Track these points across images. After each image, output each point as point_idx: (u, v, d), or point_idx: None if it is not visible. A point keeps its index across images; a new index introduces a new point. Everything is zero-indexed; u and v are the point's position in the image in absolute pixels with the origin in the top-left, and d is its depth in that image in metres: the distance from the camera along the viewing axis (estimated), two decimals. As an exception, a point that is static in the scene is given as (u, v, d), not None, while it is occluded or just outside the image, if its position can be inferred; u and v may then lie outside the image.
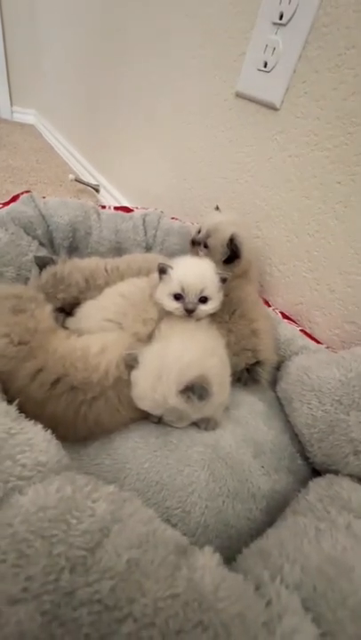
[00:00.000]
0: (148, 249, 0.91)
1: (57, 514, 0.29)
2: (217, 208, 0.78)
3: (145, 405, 0.44)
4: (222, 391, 0.49)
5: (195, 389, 0.42)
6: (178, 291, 0.55)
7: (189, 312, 0.55)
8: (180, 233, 0.88)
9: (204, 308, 0.56)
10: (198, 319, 0.57)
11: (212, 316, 0.58)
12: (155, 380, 0.43)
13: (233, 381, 0.55)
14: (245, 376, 0.58)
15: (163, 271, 0.57)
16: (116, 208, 0.89)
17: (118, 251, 0.87)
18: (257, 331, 0.59)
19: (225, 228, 0.66)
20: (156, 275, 0.60)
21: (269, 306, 0.77)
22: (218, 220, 0.68)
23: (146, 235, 0.89)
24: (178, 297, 0.56)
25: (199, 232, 0.72)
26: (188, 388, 0.43)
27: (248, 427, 0.54)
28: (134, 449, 0.47)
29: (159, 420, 0.49)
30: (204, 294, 0.56)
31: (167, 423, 0.49)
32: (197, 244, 0.70)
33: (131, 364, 0.47)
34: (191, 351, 0.45)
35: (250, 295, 0.64)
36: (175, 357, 0.44)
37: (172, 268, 0.57)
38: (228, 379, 0.52)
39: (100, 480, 0.35)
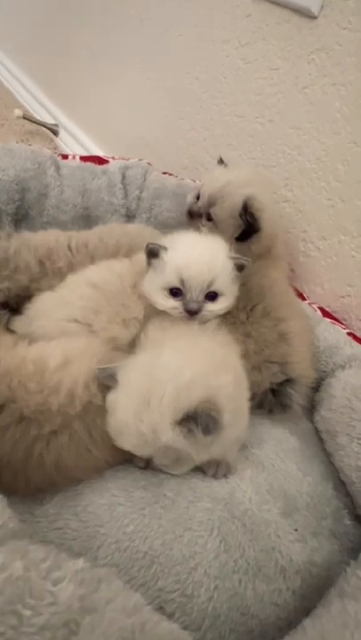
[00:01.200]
0: (130, 217, 0.90)
1: (2, 603, 0.29)
2: (220, 162, 0.78)
3: (127, 443, 0.45)
4: (238, 422, 0.49)
5: (199, 419, 0.43)
6: (175, 284, 0.56)
7: (192, 314, 0.55)
8: (176, 195, 0.88)
9: (213, 309, 0.56)
10: (204, 322, 0.57)
11: (223, 315, 0.59)
12: (141, 407, 0.43)
13: (253, 407, 0.55)
14: (271, 400, 0.59)
15: (153, 254, 0.57)
16: (83, 158, 0.88)
17: (87, 220, 0.86)
18: (287, 335, 0.60)
19: (235, 190, 0.66)
20: (141, 257, 0.60)
21: (304, 299, 0.77)
22: (224, 179, 0.68)
23: (126, 197, 0.88)
24: (175, 292, 0.56)
25: (198, 198, 0.71)
26: (190, 418, 0.43)
27: (275, 472, 0.55)
28: (112, 506, 0.47)
29: (147, 465, 0.50)
30: (213, 289, 0.56)
31: (159, 469, 0.50)
32: (197, 216, 0.70)
33: (106, 383, 0.48)
34: (193, 365, 0.46)
35: (276, 283, 0.65)
36: (170, 374, 0.45)
37: (165, 249, 0.57)
38: (245, 404, 0.52)
39: (63, 552, 0.35)
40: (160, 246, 0.57)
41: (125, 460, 0.51)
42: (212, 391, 0.44)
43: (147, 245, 0.57)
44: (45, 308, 0.59)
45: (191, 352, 0.49)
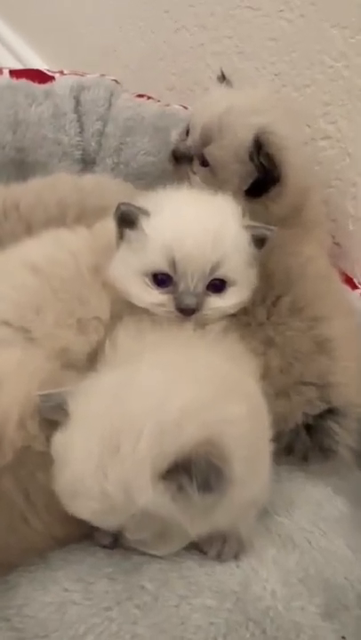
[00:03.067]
0: (88, 164, 0.92)
1: None
2: (222, 78, 0.80)
3: (84, 509, 0.46)
4: (254, 475, 0.50)
5: (193, 471, 0.43)
6: (162, 268, 0.57)
7: (187, 313, 0.57)
8: (158, 129, 0.90)
9: (220, 305, 0.58)
10: (203, 326, 0.58)
11: (233, 314, 0.61)
12: (105, 455, 0.44)
13: (278, 453, 0.56)
14: (305, 441, 0.60)
15: (127, 221, 0.59)
16: (14, 73, 0.90)
17: (20, 168, 0.88)
18: (328, 342, 0.62)
19: (241, 118, 0.68)
20: (107, 226, 0.61)
21: (355, 287, 0.79)
22: (225, 104, 0.70)
23: (82, 132, 0.90)
24: (163, 280, 0.57)
25: (187, 134, 0.73)
26: (180, 469, 0.44)
27: (312, 552, 0.56)
28: (62, 605, 0.48)
29: (116, 542, 0.51)
30: (220, 275, 0.57)
31: (134, 547, 0.51)
32: (185, 160, 0.72)
33: (51, 417, 0.49)
34: (185, 389, 0.48)
35: (310, 264, 0.67)
36: (151, 402, 0.46)
37: (147, 214, 0.58)
38: (265, 447, 0.53)
39: None
40: (138, 209, 0.58)
41: (82, 534, 0.52)
42: (215, 428, 0.46)
43: (117, 207, 0.58)
44: None
45: (183, 370, 0.50)
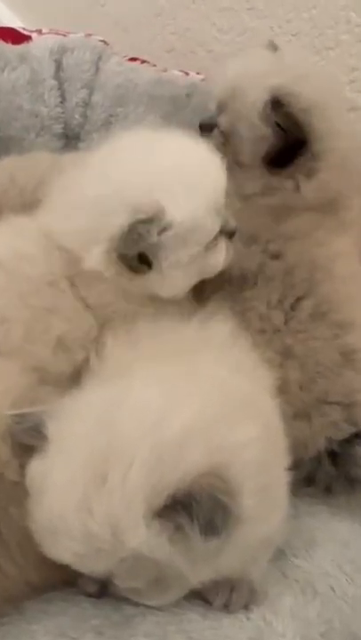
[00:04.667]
0: (71, 139, 0.92)
1: None
2: (272, 45, 0.77)
3: (65, 551, 0.44)
4: (268, 511, 0.48)
5: (195, 508, 0.41)
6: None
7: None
8: (154, 98, 0.87)
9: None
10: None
11: (244, 316, 0.59)
12: (90, 487, 0.43)
13: (296, 484, 0.53)
14: (330, 471, 0.58)
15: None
16: None
17: None
18: (355, 354, 0.59)
19: (253, 81, 0.67)
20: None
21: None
22: (237, 70, 0.70)
23: (64, 102, 0.90)
24: None
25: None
26: (179, 506, 0.42)
27: (336, 600, 0.53)
28: None
29: (104, 591, 0.48)
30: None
31: (124, 596, 0.48)
32: (207, 131, 0.71)
33: (27, 441, 0.48)
34: (186, 406, 0.46)
35: (339, 261, 0.64)
36: (145, 424, 0.45)
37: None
38: (281, 477, 0.51)
39: None
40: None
41: (63, 580, 0.50)
42: (222, 455, 0.44)
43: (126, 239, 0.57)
44: None
45: (183, 384, 0.49)
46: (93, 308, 0.59)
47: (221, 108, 0.69)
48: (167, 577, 0.44)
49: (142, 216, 0.56)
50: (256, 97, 0.66)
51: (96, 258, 0.58)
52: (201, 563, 0.44)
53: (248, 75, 0.68)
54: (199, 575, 0.46)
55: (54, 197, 0.65)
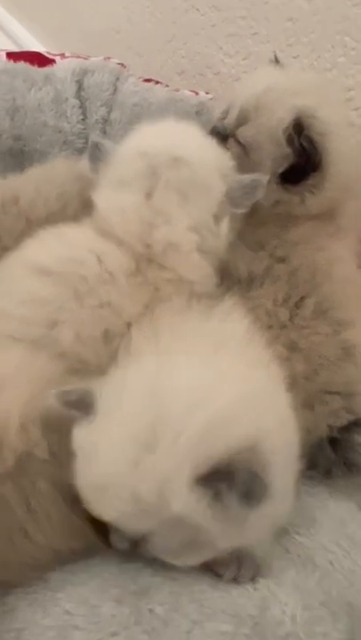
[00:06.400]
0: None
1: None
2: (276, 60, 0.78)
3: (111, 509, 0.45)
4: (284, 491, 0.49)
5: (236, 478, 0.43)
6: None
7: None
8: (168, 115, 0.85)
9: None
10: None
11: (253, 311, 0.60)
12: (141, 451, 0.44)
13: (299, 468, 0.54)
14: (330, 456, 0.59)
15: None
16: (12, 56, 0.91)
17: (19, 158, 0.88)
18: (354, 348, 0.60)
19: (281, 98, 0.68)
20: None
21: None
22: (265, 84, 0.70)
23: (85, 119, 0.90)
24: None
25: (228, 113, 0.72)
26: (221, 475, 0.43)
27: (335, 573, 0.54)
28: (64, 630, 0.46)
29: (133, 547, 0.48)
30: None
31: (150, 556, 0.49)
32: (222, 138, 0.70)
33: (72, 413, 0.48)
34: (230, 387, 0.48)
35: (338, 265, 0.66)
36: (195, 399, 0.46)
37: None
38: (294, 465, 0.52)
39: None
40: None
41: (86, 549, 0.51)
42: (258, 435, 0.45)
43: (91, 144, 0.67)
44: None
45: (220, 368, 0.50)
46: (164, 287, 0.61)
47: (243, 120, 0.69)
48: (199, 540, 0.46)
49: None
50: (282, 116, 0.66)
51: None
52: (230, 530, 0.45)
53: (275, 91, 0.68)
54: (226, 542, 0.47)
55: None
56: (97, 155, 0.65)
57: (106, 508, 0.45)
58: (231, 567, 0.51)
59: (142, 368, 0.50)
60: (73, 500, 0.49)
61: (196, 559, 0.49)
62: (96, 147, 0.65)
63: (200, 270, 0.64)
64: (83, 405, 0.47)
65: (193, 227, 0.63)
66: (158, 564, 0.51)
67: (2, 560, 0.47)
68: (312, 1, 0.81)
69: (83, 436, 0.47)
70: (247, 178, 0.64)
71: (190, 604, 0.49)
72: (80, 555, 0.51)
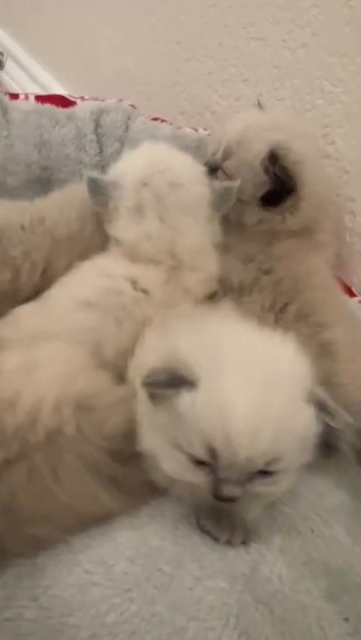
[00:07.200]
0: None
1: None
2: (259, 104, 0.83)
3: (260, 444, 0.49)
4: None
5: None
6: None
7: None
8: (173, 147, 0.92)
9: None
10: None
11: (243, 318, 0.62)
12: (266, 399, 0.49)
13: None
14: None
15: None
16: (39, 98, 0.95)
17: (46, 185, 0.92)
18: (331, 346, 0.63)
19: (258, 134, 0.72)
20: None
21: (353, 295, 0.80)
22: (245, 124, 0.74)
23: (101, 152, 0.94)
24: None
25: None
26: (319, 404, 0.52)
27: (315, 539, 0.57)
28: (84, 587, 0.49)
29: (243, 491, 0.51)
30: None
31: (254, 494, 0.52)
32: (213, 170, 0.76)
33: (168, 387, 0.51)
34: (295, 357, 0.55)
35: (316, 274, 0.69)
36: (296, 359, 0.54)
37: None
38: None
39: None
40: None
41: (103, 515, 0.54)
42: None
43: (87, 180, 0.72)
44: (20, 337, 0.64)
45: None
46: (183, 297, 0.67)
47: (228, 154, 0.74)
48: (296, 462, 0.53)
49: None
50: (259, 149, 0.71)
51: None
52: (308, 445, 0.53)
53: (252, 129, 0.73)
54: (303, 460, 0.53)
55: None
56: (95, 188, 0.71)
57: (259, 444, 0.48)
58: (226, 532, 0.55)
59: (230, 339, 0.54)
60: (95, 470, 0.52)
61: (289, 483, 0.54)
62: (93, 181, 0.71)
63: (219, 263, 0.70)
64: (175, 381, 0.50)
65: (201, 230, 0.69)
66: (166, 530, 0.55)
67: (33, 513, 0.49)
68: (294, 51, 0.87)
69: (189, 401, 0.49)
70: (221, 186, 0.70)
71: (193, 564, 0.52)
72: (98, 521, 0.54)
